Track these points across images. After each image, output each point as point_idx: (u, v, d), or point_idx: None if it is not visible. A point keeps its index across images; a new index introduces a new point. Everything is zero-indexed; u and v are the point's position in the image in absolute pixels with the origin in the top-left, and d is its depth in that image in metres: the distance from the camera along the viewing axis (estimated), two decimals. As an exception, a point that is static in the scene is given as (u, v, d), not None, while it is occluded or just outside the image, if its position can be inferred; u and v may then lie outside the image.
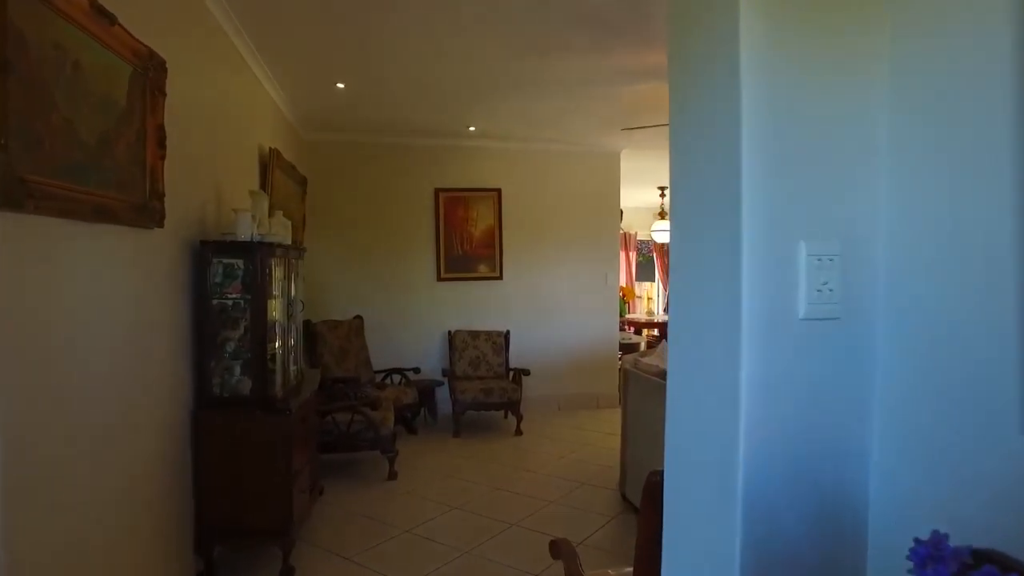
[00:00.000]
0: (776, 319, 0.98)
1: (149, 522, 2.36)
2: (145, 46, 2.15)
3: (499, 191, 6.34)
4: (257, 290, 2.85)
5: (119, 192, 2.00)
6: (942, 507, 0.91)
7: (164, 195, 2.33)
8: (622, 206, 7.04)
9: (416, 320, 6.16)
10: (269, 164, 4.00)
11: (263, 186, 3.95)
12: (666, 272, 11.50)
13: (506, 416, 5.94)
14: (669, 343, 1.22)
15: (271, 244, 2.96)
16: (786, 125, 0.98)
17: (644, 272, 11.74)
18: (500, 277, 6.38)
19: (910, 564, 0.81)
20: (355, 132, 5.84)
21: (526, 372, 5.84)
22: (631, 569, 1.64)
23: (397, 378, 5.89)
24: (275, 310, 3.10)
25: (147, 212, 2.20)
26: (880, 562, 1.01)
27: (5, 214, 1.45)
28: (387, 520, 3.69)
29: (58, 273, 1.73)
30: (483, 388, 5.54)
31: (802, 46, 0.98)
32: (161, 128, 2.29)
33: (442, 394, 5.99)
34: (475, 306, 6.31)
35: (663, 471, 1.27)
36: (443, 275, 6.24)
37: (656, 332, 9.33)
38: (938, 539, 0.55)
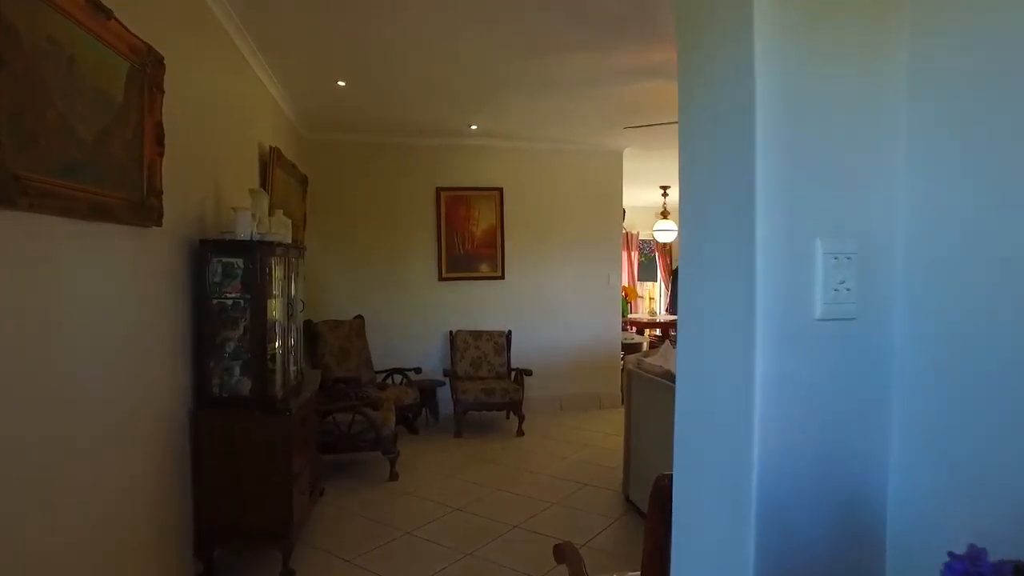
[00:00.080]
0: (791, 319, 0.95)
1: (148, 524, 2.33)
2: (143, 42, 2.11)
3: (501, 190, 6.31)
4: (257, 289, 2.82)
5: (116, 190, 1.97)
6: (965, 513, 0.88)
7: (162, 193, 2.29)
8: (624, 206, 7.00)
9: (417, 320, 6.12)
10: (269, 163, 3.97)
11: (263, 185, 3.92)
12: (668, 272, 11.46)
13: (508, 416, 5.91)
14: (678, 343, 1.18)
15: (271, 243, 2.93)
16: (801, 118, 0.95)
17: (646, 272, 11.71)
18: (502, 277, 6.34)
19: (930, 569, 0.78)
20: (356, 131, 5.81)
21: (528, 372, 5.81)
22: (637, 574, 1.61)
23: (398, 378, 5.86)
24: (275, 310, 3.07)
25: (145, 210, 2.17)
26: (899, 566, 0.98)
27: (-2, 212, 1.42)
28: (388, 521, 3.65)
29: (54, 272, 1.70)
30: (485, 388, 5.51)
31: (817, 36, 0.95)
32: (159, 125, 2.26)
33: (443, 394, 5.96)
34: (477, 306, 6.28)
35: (671, 475, 1.24)
36: (445, 275, 6.20)
37: (658, 332, 9.30)
38: (976, 553, 0.52)
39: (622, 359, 6.73)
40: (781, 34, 0.93)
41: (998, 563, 0.52)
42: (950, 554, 0.55)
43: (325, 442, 4.20)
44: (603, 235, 6.63)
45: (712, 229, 1.06)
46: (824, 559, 0.97)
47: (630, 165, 6.85)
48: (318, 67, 4.08)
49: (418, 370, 5.94)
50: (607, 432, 5.63)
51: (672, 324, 8.83)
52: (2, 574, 1.48)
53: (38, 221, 1.58)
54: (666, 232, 9.04)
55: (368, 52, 3.78)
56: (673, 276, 11.37)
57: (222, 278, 2.83)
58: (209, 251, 2.76)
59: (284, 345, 3.18)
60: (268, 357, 2.90)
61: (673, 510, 1.18)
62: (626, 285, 9.70)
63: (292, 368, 3.38)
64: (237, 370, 2.86)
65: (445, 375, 5.94)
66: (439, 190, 6.17)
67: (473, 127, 5.74)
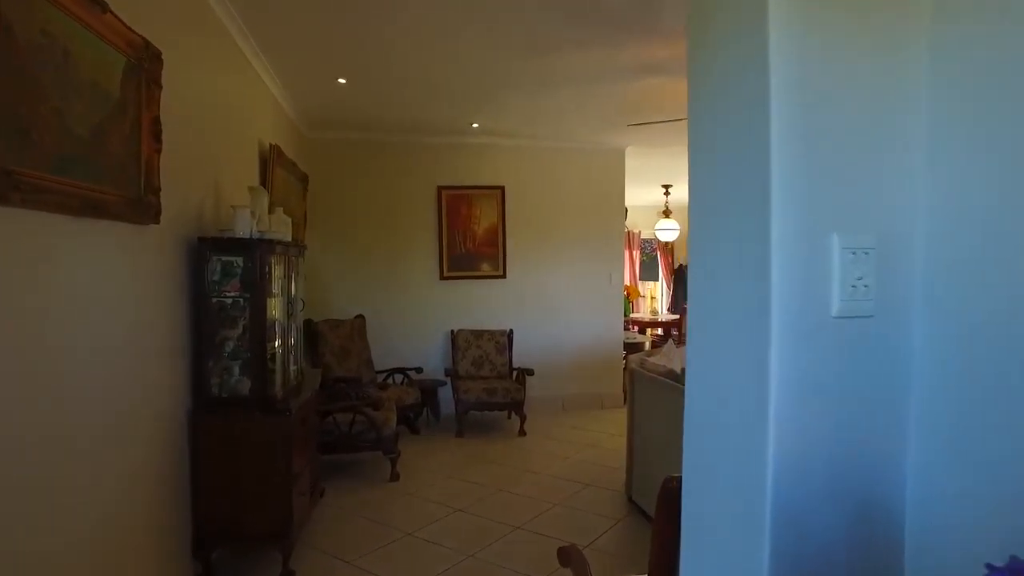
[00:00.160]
0: (807, 316, 0.91)
1: (146, 525, 2.30)
2: (140, 36, 2.08)
3: (503, 189, 6.27)
4: (256, 288, 2.79)
5: (112, 186, 1.94)
6: (991, 518, 0.84)
7: (160, 190, 2.26)
8: (626, 204, 6.97)
9: (419, 319, 6.09)
10: (269, 160, 3.94)
11: (263, 183, 3.89)
12: (670, 271, 11.43)
13: (509, 416, 5.87)
14: (687, 342, 1.15)
15: (271, 241, 2.89)
16: (817, 109, 0.91)
17: (647, 271, 11.68)
18: (503, 276, 6.31)
19: (951, 572, 0.75)
20: (357, 129, 5.77)
21: (530, 372, 5.77)
22: (644, 578, 1.57)
23: (399, 378, 5.83)
24: (275, 309, 3.04)
25: (142, 207, 2.14)
26: (918, 568, 0.95)
27: (-10, 207, 1.39)
28: (389, 522, 3.62)
29: (48, 270, 1.66)
30: (486, 388, 5.47)
31: (834, 24, 0.92)
32: (157, 121, 2.23)
33: (445, 394, 5.93)
34: (478, 305, 6.25)
35: (679, 476, 1.21)
36: (446, 274, 6.17)
37: (660, 331, 9.26)
38: (1018, 566, 0.49)
39: (624, 359, 6.70)
40: (797, 23, 0.90)
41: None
42: (988, 566, 0.51)
43: (325, 442, 4.17)
44: (605, 234, 6.59)
45: (724, 224, 1.03)
46: (842, 563, 0.94)
47: (632, 163, 6.82)
48: (318, 65, 4.04)
49: (419, 370, 5.91)
50: (609, 432, 5.59)
51: (674, 323, 8.80)
52: (0, 574, 1.45)
53: (32, 218, 1.55)
54: (668, 231, 9.01)
55: (369, 50, 3.75)
56: (675, 275, 11.34)
57: (221, 276, 2.80)
58: (208, 249, 2.73)
59: (284, 344, 3.15)
60: (268, 357, 2.86)
61: (682, 513, 1.15)
62: (628, 284, 9.66)
63: (292, 368, 3.34)
64: (236, 370, 2.82)
65: (446, 375, 5.91)
66: (440, 189, 6.14)
67: (474, 125, 5.71)
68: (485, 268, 6.27)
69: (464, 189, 6.19)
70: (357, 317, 5.77)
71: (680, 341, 7.22)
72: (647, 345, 7.67)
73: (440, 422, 5.92)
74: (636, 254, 11.14)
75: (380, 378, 5.66)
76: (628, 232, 10.11)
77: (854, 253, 0.92)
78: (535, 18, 3.27)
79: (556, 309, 6.44)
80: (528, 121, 5.56)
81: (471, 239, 6.23)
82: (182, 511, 2.64)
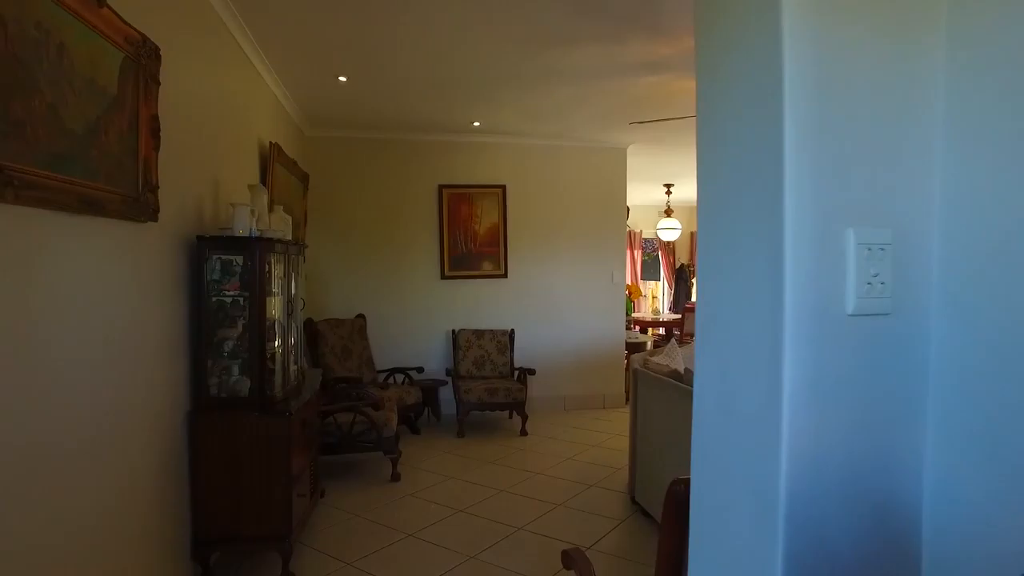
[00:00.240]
0: (822, 314, 0.88)
1: (144, 527, 2.27)
2: (138, 32, 2.06)
3: (504, 188, 6.24)
4: (256, 287, 2.76)
5: (109, 183, 1.91)
6: (1011, 526, 0.81)
7: (158, 187, 2.23)
8: (628, 204, 6.93)
9: (419, 319, 6.06)
10: (269, 159, 3.91)
11: (263, 181, 3.86)
12: (672, 271, 11.39)
13: (511, 416, 5.84)
14: (696, 341, 1.12)
15: (270, 240, 2.86)
16: (832, 101, 0.88)
17: (649, 271, 11.64)
18: (505, 275, 6.28)
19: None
20: (357, 128, 5.75)
21: (531, 372, 5.74)
22: (649, 582, 1.54)
23: (400, 378, 5.80)
24: (275, 308, 3.01)
25: (139, 205, 2.11)
26: (936, 573, 0.92)
27: (-18, 204, 1.36)
28: (390, 523, 3.59)
29: (42, 267, 1.64)
30: (488, 388, 5.44)
31: (850, 13, 0.88)
32: (155, 118, 2.20)
33: (446, 394, 5.90)
34: (479, 305, 6.22)
35: (687, 479, 1.18)
36: (447, 273, 6.14)
37: (662, 331, 9.23)
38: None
39: (626, 358, 6.66)
40: (811, 13, 0.87)
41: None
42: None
43: (326, 442, 4.15)
44: (607, 233, 6.56)
45: (735, 220, 0.99)
46: (857, 571, 0.90)
47: (633, 162, 6.79)
48: (318, 63, 4.01)
49: (420, 369, 5.88)
50: (611, 432, 5.56)
51: (676, 323, 8.76)
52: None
53: (26, 215, 1.52)
54: (670, 230, 8.98)
55: (369, 47, 3.72)
56: (677, 275, 11.30)
57: (220, 275, 2.77)
58: (207, 247, 2.70)
59: (284, 344, 3.12)
60: (267, 356, 2.84)
61: (691, 516, 1.12)
62: (630, 284, 9.63)
63: (292, 368, 3.31)
64: (236, 370, 2.80)
65: (448, 374, 5.88)
66: (441, 187, 6.11)
67: (476, 124, 5.68)
68: (486, 267, 6.24)
69: (465, 188, 6.16)
70: (358, 317, 5.75)
71: (682, 341, 7.19)
72: (649, 345, 7.64)
73: (441, 422, 5.90)
74: (638, 254, 11.10)
75: (381, 378, 5.63)
76: (629, 232, 10.08)
77: (870, 249, 0.89)
78: (538, 13, 3.24)
79: (558, 308, 6.41)
80: (530, 119, 5.53)
81: (472, 238, 6.20)
82: (180, 513, 2.61)
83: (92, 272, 1.91)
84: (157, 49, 2.19)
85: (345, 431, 4.22)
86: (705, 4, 1.07)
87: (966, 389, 0.89)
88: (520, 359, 6.10)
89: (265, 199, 3.14)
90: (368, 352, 5.61)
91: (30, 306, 1.59)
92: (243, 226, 2.77)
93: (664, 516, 1.38)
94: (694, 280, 11.23)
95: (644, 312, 10.61)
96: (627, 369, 6.32)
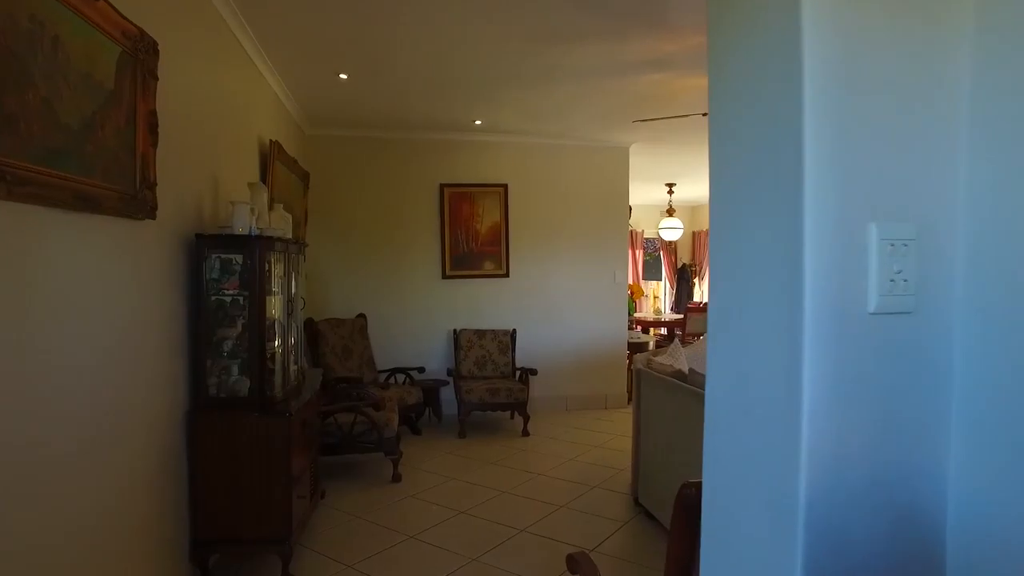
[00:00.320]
0: (843, 313, 0.84)
1: (142, 529, 2.24)
2: (135, 26, 2.02)
3: (506, 187, 6.21)
4: (256, 286, 2.73)
5: (105, 180, 1.87)
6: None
7: (156, 185, 2.20)
8: (629, 203, 6.89)
9: (421, 319, 6.03)
10: (270, 157, 3.88)
11: (263, 179, 3.83)
12: (673, 271, 11.35)
13: (512, 417, 5.80)
14: (708, 341, 1.08)
15: (270, 238, 2.83)
16: (854, 91, 0.84)
17: (650, 271, 11.60)
18: (506, 275, 6.24)
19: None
20: (358, 126, 5.71)
21: (533, 372, 5.70)
22: (657, 588, 1.50)
23: (401, 378, 5.76)
24: (275, 307, 2.98)
25: (137, 202, 2.08)
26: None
27: (-26, 200, 1.33)
28: (391, 525, 3.56)
29: (36, 265, 1.60)
30: (489, 388, 5.41)
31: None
32: (153, 114, 2.17)
33: (447, 394, 5.87)
34: (481, 304, 6.18)
35: (698, 483, 1.14)
36: (448, 272, 6.11)
37: (664, 331, 9.19)
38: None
39: (628, 358, 6.62)
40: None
41: None
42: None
43: (326, 443, 4.11)
44: (609, 232, 6.52)
45: (750, 215, 0.96)
46: (879, 581, 0.87)
47: (635, 161, 6.75)
48: (319, 60, 3.98)
49: (421, 369, 5.85)
50: (614, 433, 5.53)
51: (678, 323, 8.73)
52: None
53: (17, 210, 1.48)
54: (672, 230, 8.94)
55: (370, 44, 3.68)
56: (679, 274, 11.27)
57: (220, 274, 2.74)
58: (206, 246, 2.67)
59: (284, 344, 3.08)
60: (267, 356, 2.80)
61: (702, 522, 1.09)
62: (632, 283, 9.60)
63: (292, 368, 3.28)
64: (235, 370, 2.77)
65: (449, 375, 5.85)
66: (443, 186, 6.07)
67: (477, 122, 5.64)
68: (488, 267, 6.21)
69: (467, 187, 6.12)
70: (358, 316, 5.71)
71: (685, 341, 7.15)
72: (651, 345, 7.60)
73: (442, 423, 5.86)
74: (639, 253, 11.07)
75: (382, 378, 5.60)
76: (631, 231, 10.04)
77: (893, 245, 0.85)
78: (539, 10, 3.20)
79: (559, 308, 6.38)
80: (532, 117, 5.50)
81: (474, 237, 6.16)
82: (179, 514, 2.58)
83: (89, 270, 1.87)
84: (155, 44, 2.16)
85: (346, 431, 4.19)
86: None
87: (992, 390, 0.85)
88: (522, 359, 6.07)
89: (265, 197, 3.10)
90: (369, 352, 5.58)
91: (25, 305, 1.55)
92: (243, 224, 2.74)
93: (673, 520, 1.34)
94: (696, 280, 11.20)
95: (646, 312, 10.57)
96: (629, 369, 6.29)
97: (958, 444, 0.89)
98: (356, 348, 5.45)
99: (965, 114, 0.87)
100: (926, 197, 0.88)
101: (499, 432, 5.60)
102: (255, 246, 2.71)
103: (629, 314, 7.24)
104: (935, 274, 0.88)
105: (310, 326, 5.08)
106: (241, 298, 2.74)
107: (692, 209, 11.29)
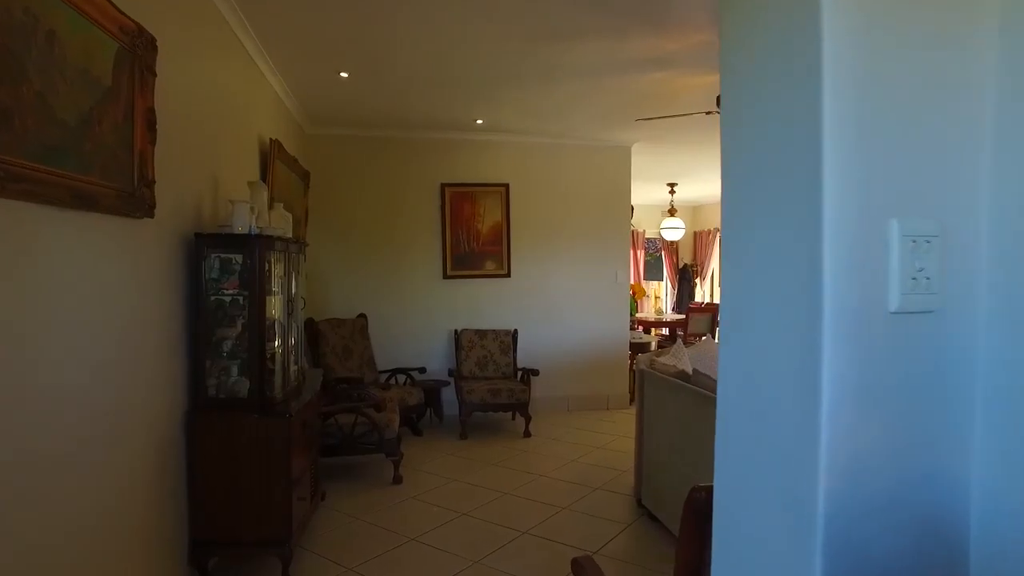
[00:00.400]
0: (863, 313, 0.81)
1: (140, 530, 2.21)
2: (133, 21, 1.99)
3: (507, 186, 6.18)
4: (256, 286, 2.70)
5: (103, 177, 1.84)
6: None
7: (154, 183, 2.17)
8: (631, 203, 6.86)
9: (422, 319, 6.00)
10: (270, 155, 3.85)
11: (263, 178, 3.80)
12: (675, 271, 11.32)
13: (514, 417, 5.76)
14: (720, 342, 1.05)
15: (270, 237, 2.80)
16: (875, 83, 0.81)
17: (651, 271, 11.57)
18: (508, 275, 6.21)
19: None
20: (359, 126, 5.68)
21: (535, 372, 5.67)
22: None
23: (402, 378, 5.73)
24: (275, 307, 2.95)
25: (135, 200, 2.05)
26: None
27: (-33, 196, 1.30)
28: (391, 527, 3.53)
29: (32, 263, 1.57)
30: (490, 389, 5.38)
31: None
32: (151, 111, 2.14)
33: (448, 395, 5.84)
34: (482, 304, 6.15)
35: (708, 487, 1.11)
36: (449, 272, 6.08)
37: (665, 332, 9.16)
38: None
39: (630, 359, 6.60)
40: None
41: None
42: None
43: (327, 444, 4.08)
44: (611, 232, 6.49)
45: (765, 211, 0.93)
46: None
47: (636, 161, 6.72)
48: (319, 58, 3.95)
49: (422, 370, 5.82)
50: (616, 434, 5.50)
51: (680, 323, 8.69)
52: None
53: (11, 208, 1.45)
54: (674, 230, 8.91)
55: (370, 43, 3.66)
56: (680, 275, 11.24)
57: (219, 274, 2.71)
58: (205, 245, 2.64)
59: (284, 344, 3.05)
60: (267, 356, 2.77)
61: (714, 527, 1.05)
62: (634, 283, 9.56)
63: (292, 368, 3.25)
64: (235, 370, 2.74)
65: (450, 375, 5.82)
66: (444, 186, 6.04)
67: (479, 121, 5.61)
68: (489, 267, 6.18)
69: (468, 186, 6.09)
70: (359, 316, 5.68)
71: (687, 341, 7.11)
72: (653, 345, 7.57)
73: (444, 423, 5.83)
74: (641, 253, 11.04)
75: (382, 378, 5.57)
76: (632, 231, 10.01)
77: (915, 241, 0.82)
78: (540, 8, 3.17)
79: (561, 308, 6.34)
80: (533, 116, 5.47)
81: (475, 237, 6.13)
82: (178, 516, 2.55)
83: (86, 270, 1.84)
84: (153, 40, 2.13)
85: (346, 432, 4.16)
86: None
87: (1019, 393, 0.82)
88: (523, 359, 6.04)
89: (265, 196, 3.07)
90: (369, 352, 5.55)
91: (21, 305, 1.52)
92: (242, 223, 2.71)
93: (683, 524, 1.31)
94: (697, 280, 11.17)
95: (647, 312, 10.54)
96: (631, 370, 6.26)
97: (982, 449, 0.85)
98: (357, 348, 5.42)
99: (991, 110, 0.84)
100: (949, 193, 0.84)
101: (501, 433, 5.57)
102: (255, 245, 2.68)
103: (631, 314, 7.20)
104: (959, 272, 0.85)
105: (310, 326, 5.05)
106: (241, 298, 2.71)
107: (694, 209, 11.26)
